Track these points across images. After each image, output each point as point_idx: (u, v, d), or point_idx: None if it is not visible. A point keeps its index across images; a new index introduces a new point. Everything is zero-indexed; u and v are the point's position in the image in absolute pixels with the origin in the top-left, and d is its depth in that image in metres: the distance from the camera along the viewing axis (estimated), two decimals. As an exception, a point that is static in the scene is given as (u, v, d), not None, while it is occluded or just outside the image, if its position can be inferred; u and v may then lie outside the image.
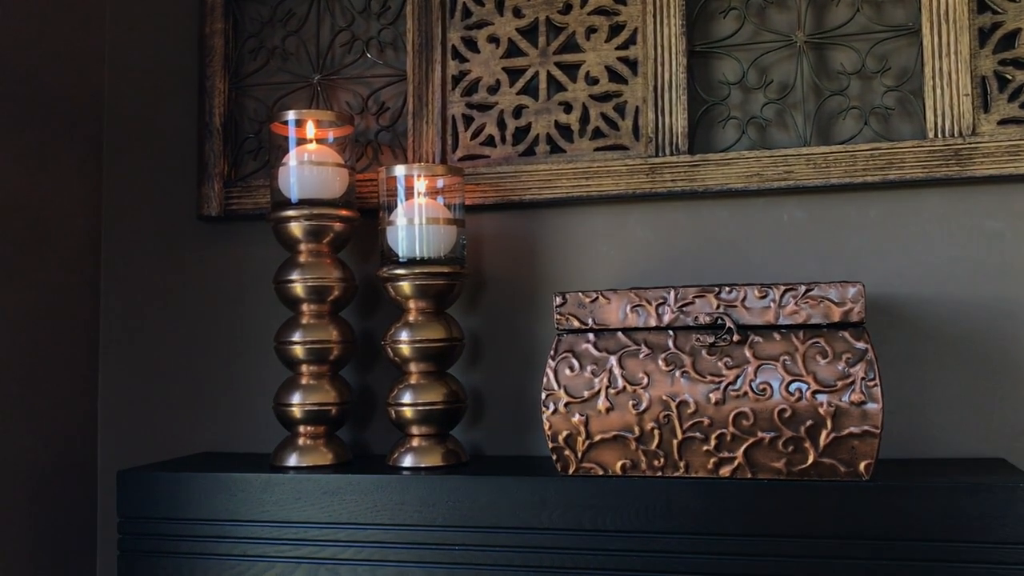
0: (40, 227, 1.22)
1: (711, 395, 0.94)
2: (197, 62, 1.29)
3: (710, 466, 0.95)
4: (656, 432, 0.95)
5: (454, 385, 1.11)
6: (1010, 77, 1.07)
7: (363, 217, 1.17)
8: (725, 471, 0.94)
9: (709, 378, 0.95)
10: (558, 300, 1.01)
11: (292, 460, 1.10)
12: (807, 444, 0.92)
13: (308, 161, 1.12)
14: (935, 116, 1.08)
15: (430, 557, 1.00)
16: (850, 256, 1.11)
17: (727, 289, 0.96)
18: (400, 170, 1.12)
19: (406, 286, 1.09)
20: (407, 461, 1.08)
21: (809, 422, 0.92)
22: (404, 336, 1.09)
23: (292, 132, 1.14)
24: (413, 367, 1.10)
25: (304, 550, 1.04)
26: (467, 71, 1.21)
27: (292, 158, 1.12)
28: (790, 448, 0.92)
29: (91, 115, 1.31)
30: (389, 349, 1.11)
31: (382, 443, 1.21)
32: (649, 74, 1.15)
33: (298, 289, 1.11)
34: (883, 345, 1.08)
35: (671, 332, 0.98)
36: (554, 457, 0.99)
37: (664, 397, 0.95)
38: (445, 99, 1.21)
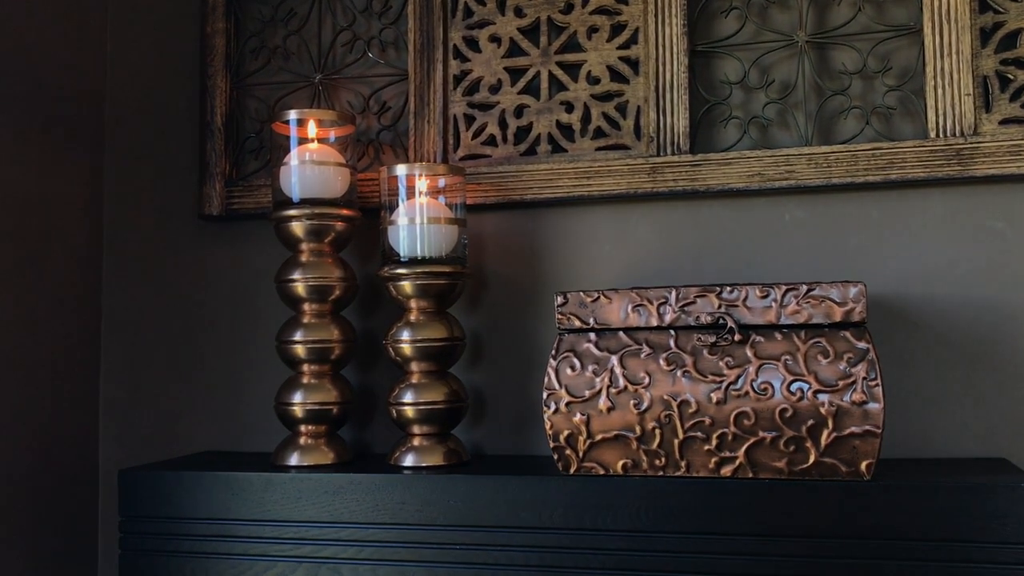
0: (41, 227, 1.22)
1: (712, 395, 0.94)
2: (198, 62, 1.29)
3: (711, 466, 0.95)
4: (657, 432, 0.95)
5: (455, 384, 1.11)
6: (1012, 77, 1.07)
7: (364, 217, 1.17)
8: (726, 471, 0.94)
9: (710, 378, 0.95)
10: (559, 300, 1.01)
11: (293, 459, 1.10)
12: (808, 444, 0.92)
13: (310, 160, 1.12)
14: (936, 116, 1.07)
15: (431, 556, 1.00)
16: (851, 256, 1.11)
17: (728, 289, 0.96)
18: (401, 169, 1.12)
19: (407, 285, 1.09)
20: (408, 460, 1.08)
21: (810, 422, 0.92)
22: (405, 335, 1.09)
23: (294, 131, 1.14)
24: (414, 366, 1.10)
25: (305, 549, 1.04)
26: (468, 71, 1.21)
27: (294, 157, 1.13)
28: (791, 448, 0.92)
29: (92, 115, 1.31)
30: (390, 348, 1.11)
31: (383, 442, 1.21)
32: (650, 74, 1.15)
33: (299, 288, 1.11)
34: (884, 345, 1.08)
35: (672, 332, 0.98)
36: (555, 457, 0.99)
37: (665, 397, 0.95)
38: (446, 99, 1.21)
